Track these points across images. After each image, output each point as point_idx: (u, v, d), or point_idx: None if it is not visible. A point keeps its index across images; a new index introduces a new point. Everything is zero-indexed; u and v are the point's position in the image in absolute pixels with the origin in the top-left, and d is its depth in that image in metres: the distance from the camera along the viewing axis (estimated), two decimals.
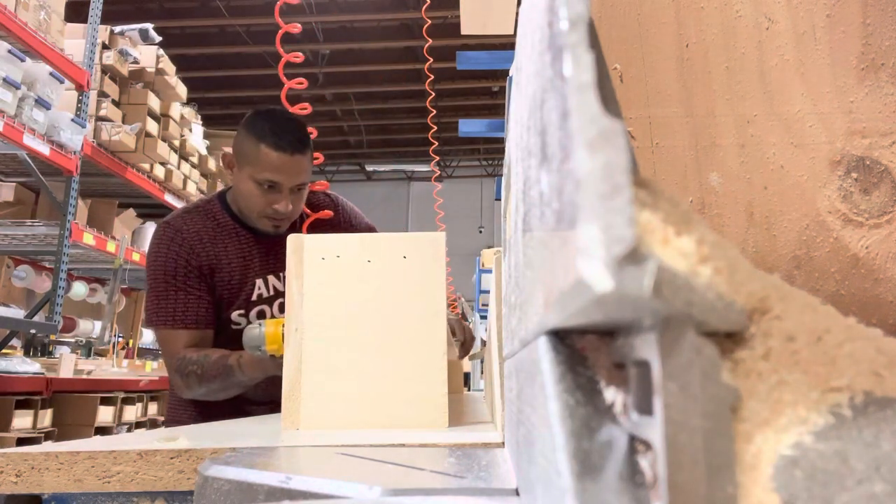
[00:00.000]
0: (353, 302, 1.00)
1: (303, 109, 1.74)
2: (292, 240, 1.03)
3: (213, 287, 1.52)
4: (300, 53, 1.80)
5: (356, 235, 1.06)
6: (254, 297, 1.56)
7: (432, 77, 4.24)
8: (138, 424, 4.23)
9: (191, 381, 1.41)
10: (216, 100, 10.92)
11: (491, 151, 13.97)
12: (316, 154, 1.58)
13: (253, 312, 1.55)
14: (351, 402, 0.96)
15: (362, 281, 1.01)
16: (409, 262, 1.01)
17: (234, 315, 1.54)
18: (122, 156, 4.81)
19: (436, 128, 4.92)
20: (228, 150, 1.57)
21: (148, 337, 6.79)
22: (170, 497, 0.69)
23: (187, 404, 1.55)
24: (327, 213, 1.68)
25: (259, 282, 1.56)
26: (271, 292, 1.57)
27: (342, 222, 1.74)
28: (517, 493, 0.46)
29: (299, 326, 0.99)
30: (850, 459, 0.23)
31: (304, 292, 1.00)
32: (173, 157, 5.30)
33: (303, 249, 1.02)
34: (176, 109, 5.24)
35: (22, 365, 3.38)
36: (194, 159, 5.80)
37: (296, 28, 1.78)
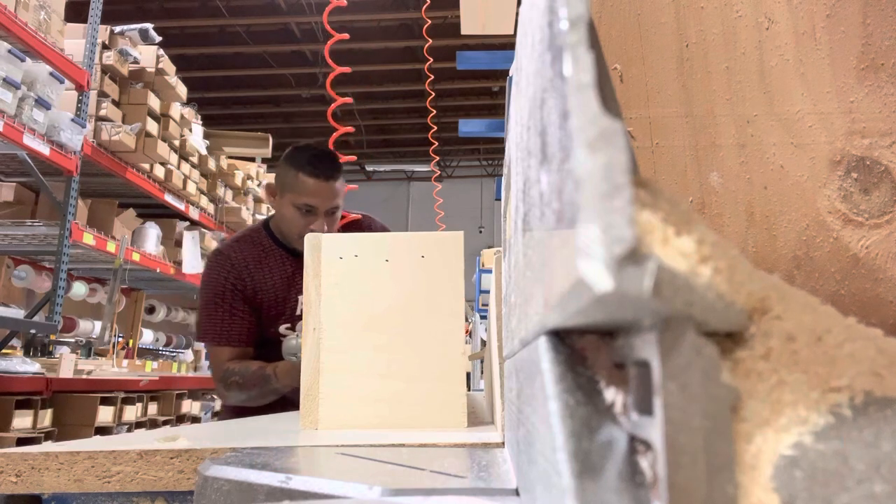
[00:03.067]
0: (371, 301, 0.99)
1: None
2: (310, 239, 1.02)
3: (259, 305, 1.73)
4: (350, 98, 2.07)
5: (374, 234, 1.05)
6: (298, 312, 1.76)
7: (432, 77, 4.24)
8: (138, 424, 4.22)
9: (232, 390, 1.63)
10: (216, 100, 10.92)
11: (491, 151, 13.97)
12: None
13: (298, 325, 1.75)
14: (369, 402, 0.96)
15: (380, 280, 1.00)
16: (428, 261, 1.00)
17: (282, 329, 1.75)
18: (122, 156, 4.81)
19: (436, 128, 4.92)
20: (271, 181, 1.81)
21: (148, 337, 6.80)
22: (170, 497, 0.69)
23: (232, 410, 1.79)
24: (357, 216, 1.94)
25: (301, 298, 1.75)
26: None
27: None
28: (517, 493, 0.46)
29: (317, 326, 0.99)
30: (850, 459, 0.23)
31: (322, 292, 1.00)
32: (173, 157, 5.30)
33: (320, 249, 1.01)
34: (176, 109, 5.24)
35: (22, 365, 3.38)
36: (194, 159, 5.80)
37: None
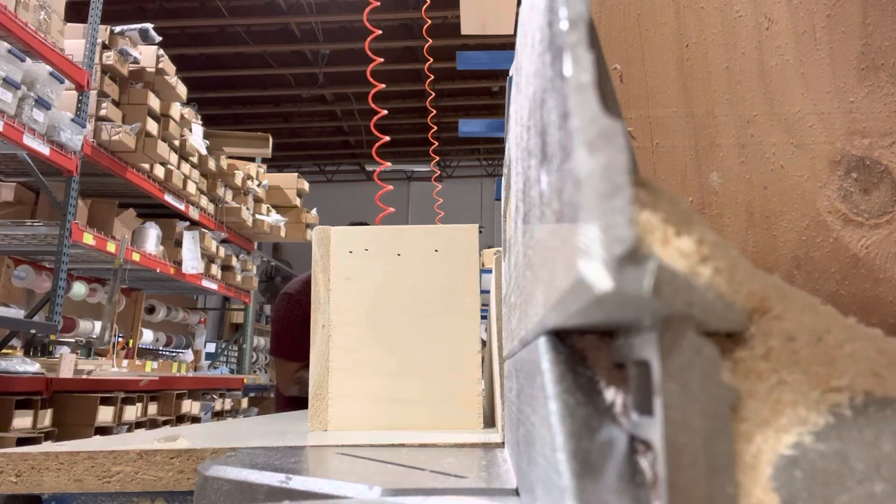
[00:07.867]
0: (383, 297, 0.96)
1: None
2: (318, 232, 0.98)
3: None
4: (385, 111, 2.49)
5: (385, 227, 1.03)
6: None
7: (432, 77, 4.24)
8: (138, 424, 4.22)
9: (305, 389, 2.12)
10: (216, 100, 10.90)
11: (491, 151, 13.96)
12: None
13: None
14: (380, 403, 0.93)
15: (392, 275, 0.96)
16: (442, 255, 0.97)
17: None
18: (122, 156, 4.81)
19: (436, 128, 4.91)
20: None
21: (148, 337, 6.79)
22: (170, 497, 0.69)
23: (291, 402, 2.33)
24: None
25: None
26: None
27: None
28: (517, 493, 0.46)
29: (326, 323, 0.96)
30: (850, 459, 0.23)
31: (331, 287, 0.96)
32: (173, 157, 5.30)
33: (330, 242, 0.98)
34: (176, 109, 5.24)
35: (22, 365, 3.38)
36: (194, 159, 5.79)
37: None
